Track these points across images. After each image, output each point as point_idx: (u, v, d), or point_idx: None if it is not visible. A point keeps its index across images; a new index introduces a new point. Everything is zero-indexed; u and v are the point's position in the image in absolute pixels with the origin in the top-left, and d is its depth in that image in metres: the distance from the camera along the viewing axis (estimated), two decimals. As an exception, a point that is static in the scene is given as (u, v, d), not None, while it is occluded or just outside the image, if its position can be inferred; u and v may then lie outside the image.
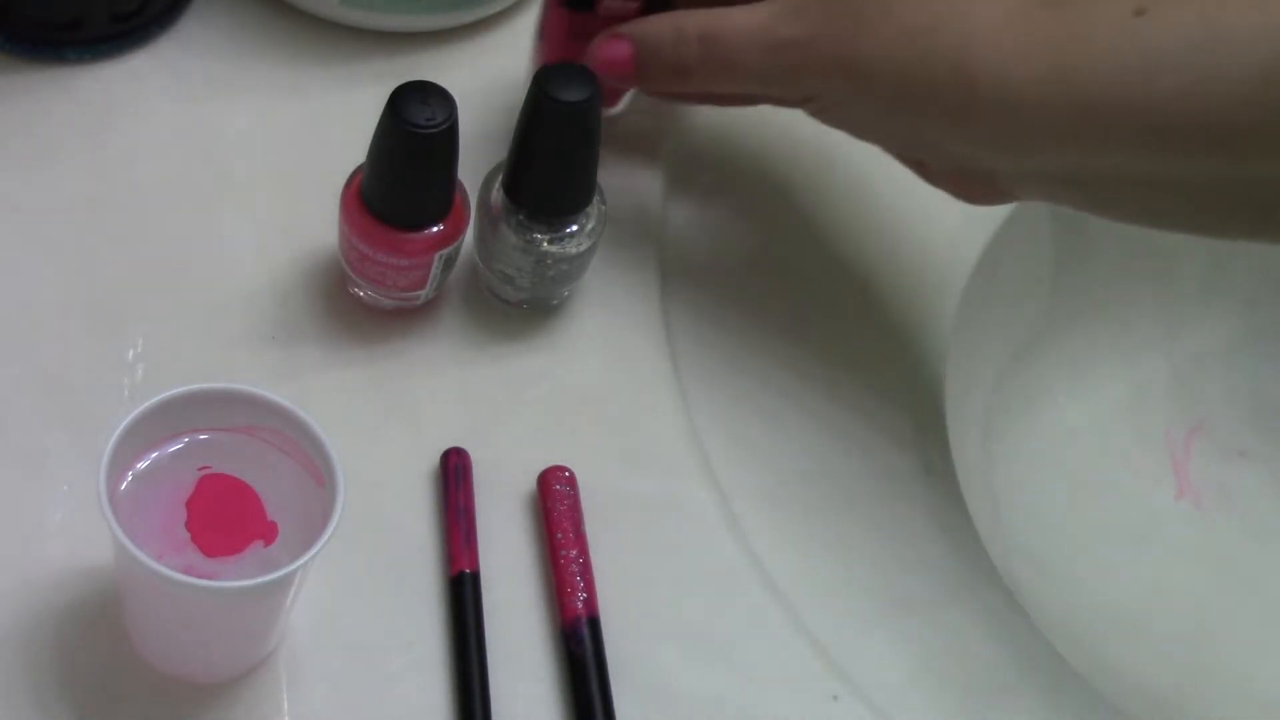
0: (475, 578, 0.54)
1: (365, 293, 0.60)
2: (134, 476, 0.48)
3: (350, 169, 0.58)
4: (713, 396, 0.62)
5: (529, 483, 0.58)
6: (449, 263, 0.59)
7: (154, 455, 0.48)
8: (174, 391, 0.48)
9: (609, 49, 0.56)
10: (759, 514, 0.59)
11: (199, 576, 0.46)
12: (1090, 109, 0.45)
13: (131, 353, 0.58)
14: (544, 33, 0.63)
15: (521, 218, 0.58)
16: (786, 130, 0.66)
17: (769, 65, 0.52)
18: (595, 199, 0.59)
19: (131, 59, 0.66)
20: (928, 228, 0.69)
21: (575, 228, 0.59)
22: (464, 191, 0.59)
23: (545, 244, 0.58)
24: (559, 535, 0.56)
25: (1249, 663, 0.72)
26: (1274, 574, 0.75)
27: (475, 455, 0.57)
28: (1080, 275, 0.77)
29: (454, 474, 0.57)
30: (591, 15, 0.60)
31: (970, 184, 0.55)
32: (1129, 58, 0.45)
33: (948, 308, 0.68)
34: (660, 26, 0.55)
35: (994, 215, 0.71)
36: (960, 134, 0.50)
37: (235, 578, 0.46)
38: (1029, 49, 0.46)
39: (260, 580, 0.45)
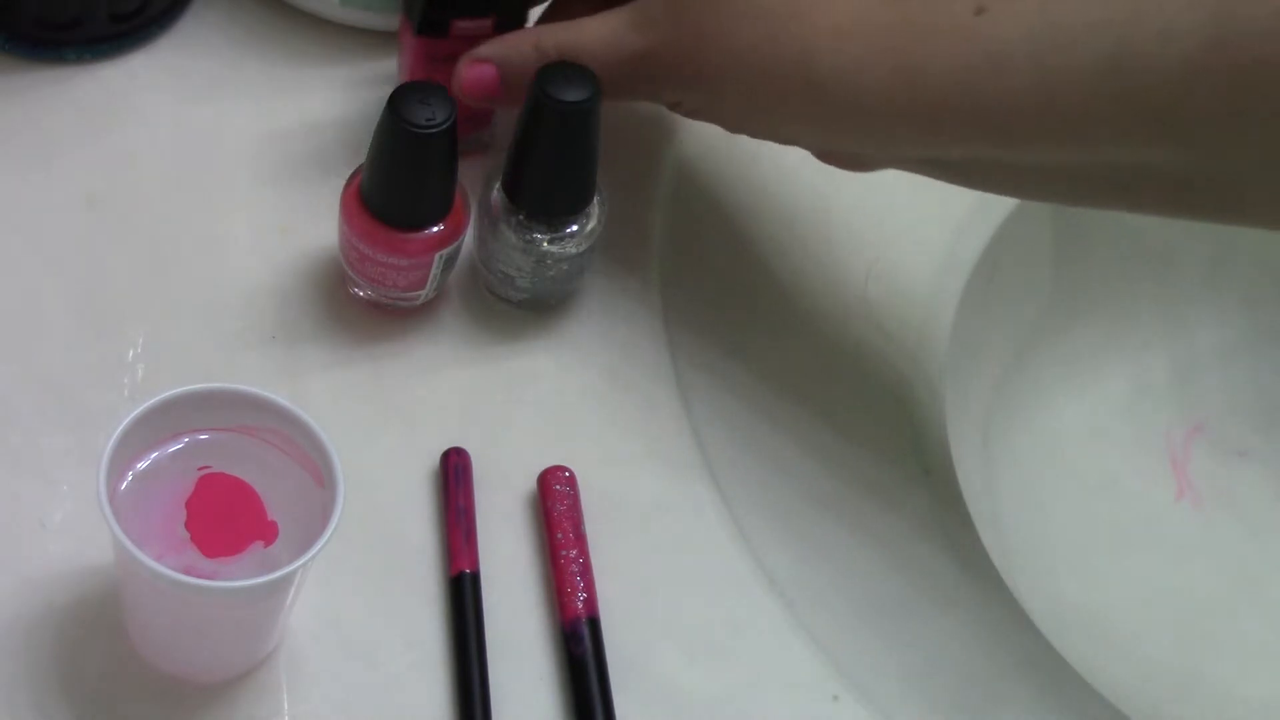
0: (475, 578, 0.54)
1: (365, 293, 0.60)
2: (134, 476, 0.48)
3: (350, 169, 0.58)
4: (713, 397, 0.62)
5: (529, 483, 0.58)
6: (449, 263, 0.59)
7: (154, 455, 0.48)
8: (174, 391, 0.48)
9: (473, 73, 0.57)
10: (759, 514, 0.59)
11: (199, 576, 0.46)
12: (938, 107, 0.46)
13: (131, 353, 0.58)
14: (402, 61, 0.63)
15: (521, 218, 0.58)
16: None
17: (627, 76, 0.54)
18: (595, 199, 0.59)
19: (131, 59, 0.66)
20: (928, 228, 0.69)
21: (575, 228, 0.59)
22: (464, 191, 0.59)
23: (545, 244, 0.58)
24: (559, 535, 0.56)
25: (1249, 663, 0.72)
26: (1274, 574, 0.75)
27: (475, 455, 0.57)
28: (1080, 275, 0.77)
29: (454, 474, 0.57)
30: (446, 39, 0.60)
31: (843, 161, 0.56)
32: (972, 58, 0.45)
33: (948, 308, 0.68)
34: (521, 46, 0.56)
35: (994, 215, 0.71)
36: (817, 131, 0.51)
37: (235, 578, 0.46)
38: (872, 53, 0.47)
39: (260, 580, 0.45)
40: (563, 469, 0.57)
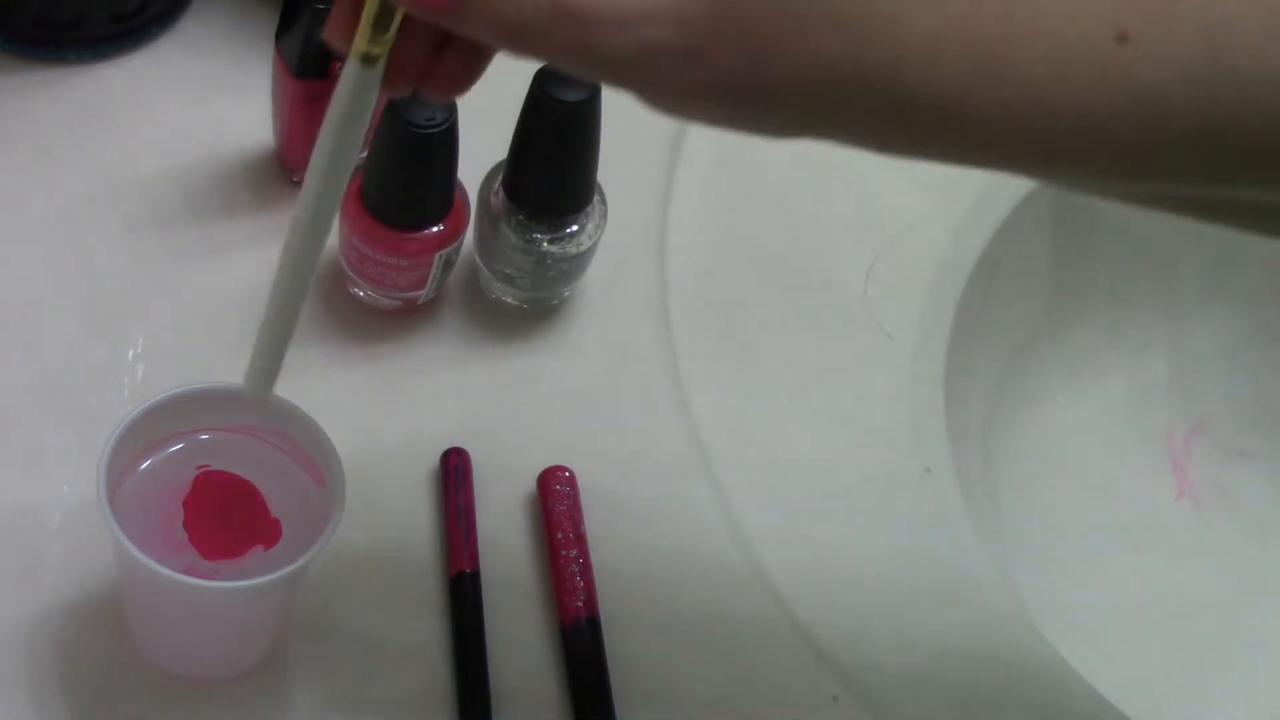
0: (475, 578, 0.54)
1: (365, 293, 0.60)
2: (134, 476, 0.48)
3: (350, 169, 0.58)
4: (713, 396, 0.62)
5: (529, 483, 0.58)
6: (449, 263, 0.59)
7: (154, 455, 0.48)
8: (174, 391, 0.48)
9: None
10: (759, 514, 0.59)
11: (199, 576, 0.46)
12: (1066, 145, 0.39)
13: (131, 353, 0.58)
14: (278, 106, 0.60)
15: (521, 218, 0.58)
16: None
17: (638, 67, 0.39)
18: (595, 199, 0.59)
19: (131, 59, 0.66)
20: (928, 227, 0.69)
21: (575, 228, 0.59)
22: (464, 191, 0.59)
23: (545, 244, 0.58)
24: (559, 535, 0.56)
25: (1249, 662, 0.72)
26: (1274, 574, 0.75)
27: (475, 455, 0.57)
28: (1080, 276, 0.77)
29: (454, 474, 0.57)
30: (326, 81, 0.57)
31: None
32: (1117, 102, 0.38)
33: (948, 308, 0.68)
34: None
35: (994, 215, 0.71)
36: (902, 152, 0.42)
37: (235, 577, 0.46)
38: (978, 76, 0.38)
39: (260, 580, 0.45)
40: (563, 469, 0.57)
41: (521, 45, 0.38)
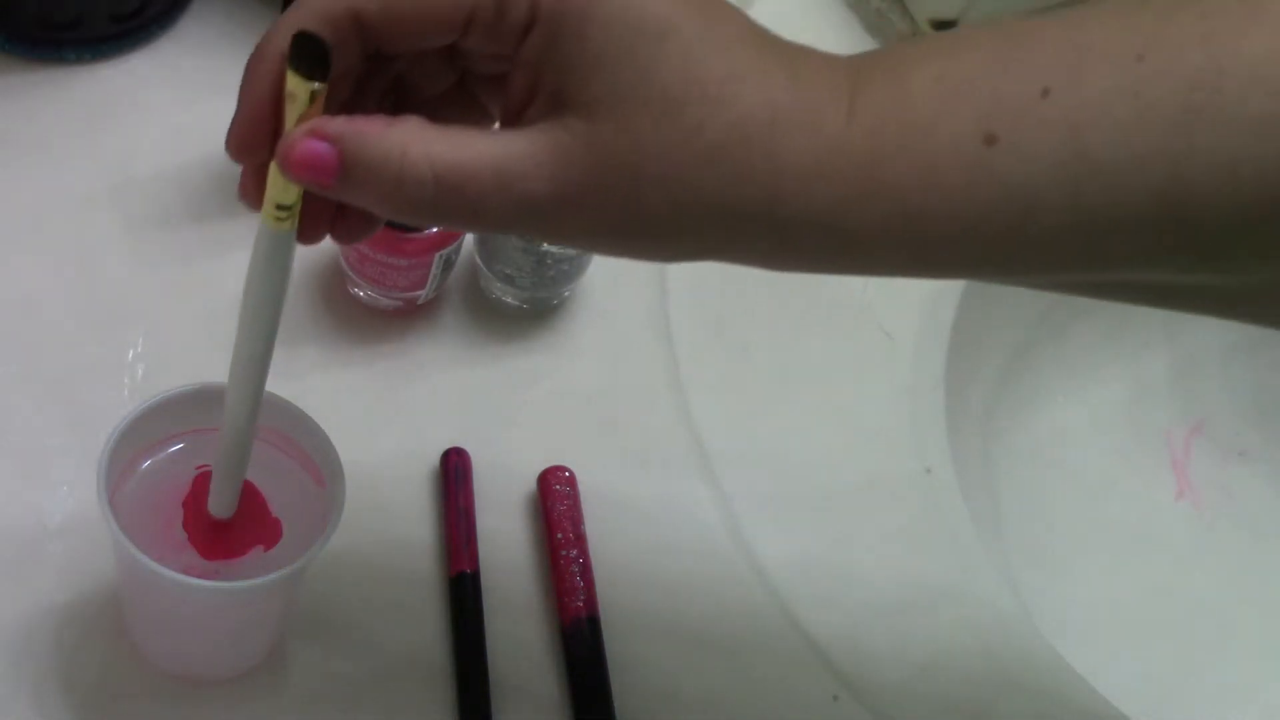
0: (475, 578, 0.54)
1: (365, 293, 0.60)
2: (134, 476, 0.48)
3: (350, 169, 0.58)
4: (713, 396, 0.62)
5: (529, 483, 0.58)
6: (449, 263, 0.59)
7: (154, 455, 0.48)
8: (173, 390, 0.48)
9: (307, 149, 0.39)
10: (759, 514, 0.59)
11: (198, 577, 0.46)
12: (947, 248, 0.39)
13: (131, 353, 0.58)
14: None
15: (521, 218, 0.58)
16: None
17: (521, 217, 0.40)
18: (595, 199, 0.59)
19: (131, 59, 0.66)
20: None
21: (575, 228, 0.59)
22: (464, 191, 0.59)
23: (545, 244, 0.58)
24: (559, 535, 0.56)
25: (1249, 662, 0.72)
26: (1274, 574, 0.75)
27: (475, 455, 0.57)
28: (1080, 275, 0.77)
29: (454, 474, 0.57)
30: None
31: None
32: (991, 200, 0.38)
33: (948, 308, 0.68)
34: (384, 145, 0.39)
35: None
36: (790, 267, 0.42)
37: (235, 578, 0.46)
38: (855, 194, 0.39)
39: (260, 580, 0.45)
40: (563, 469, 0.57)
41: (410, 217, 0.40)
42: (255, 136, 0.41)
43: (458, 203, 0.39)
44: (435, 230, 0.57)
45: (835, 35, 0.75)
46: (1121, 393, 0.78)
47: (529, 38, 0.38)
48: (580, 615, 0.54)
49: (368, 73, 0.41)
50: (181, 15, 0.68)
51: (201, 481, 0.48)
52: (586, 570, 0.55)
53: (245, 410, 0.44)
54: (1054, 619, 0.63)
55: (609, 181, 0.39)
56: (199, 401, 0.48)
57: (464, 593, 0.54)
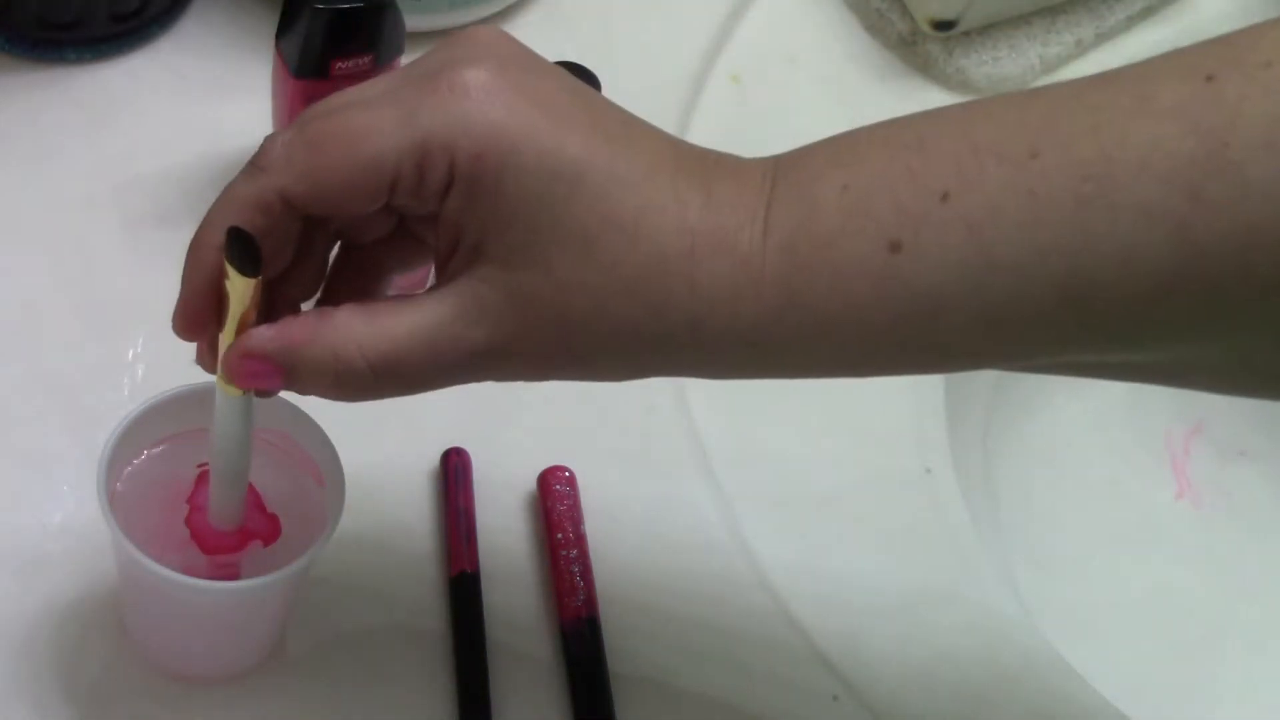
0: (475, 578, 0.54)
1: (365, 293, 0.60)
2: (134, 476, 0.48)
3: (350, 169, 0.58)
4: (713, 396, 0.62)
5: (529, 483, 0.58)
6: (449, 263, 0.59)
7: (154, 454, 0.48)
8: (173, 390, 0.48)
9: (249, 369, 0.42)
10: (759, 514, 0.59)
11: (198, 577, 0.46)
12: (862, 350, 0.41)
13: (131, 353, 0.58)
14: (278, 105, 0.60)
15: (521, 218, 0.58)
16: (788, 129, 0.66)
17: (462, 371, 0.43)
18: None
19: (131, 59, 0.66)
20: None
21: (575, 228, 0.59)
22: (464, 191, 0.59)
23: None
24: (559, 535, 0.56)
25: (1248, 662, 0.72)
26: (1274, 574, 0.75)
27: (475, 455, 0.57)
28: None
29: (454, 474, 0.57)
30: (327, 80, 0.57)
31: None
32: (899, 303, 0.39)
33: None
34: (316, 352, 0.41)
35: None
36: (717, 376, 0.45)
37: (235, 577, 0.46)
38: (771, 310, 0.40)
39: (260, 581, 0.45)
40: (562, 469, 0.57)
41: (359, 399, 0.42)
42: (198, 318, 0.43)
43: (399, 381, 0.42)
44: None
45: (835, 35, 0.75)
46: (1121, 393, 0.78)
47: (449, 195, 0.40)
48: (580, 615, 0.54)
49: (310, 228, 0.43)
50: (182, 15, 0.68)
51: (204, 480, 0.48)
52: (586, 570, 0.55)
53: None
54: (1054, 619, 0.63)
55: (536, 326, 0.41)
56: (199, 401, 0.48)
57: (464, 593, 0.54)
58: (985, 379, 0.73)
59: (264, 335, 0.41)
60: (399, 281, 0.47)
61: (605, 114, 0.42)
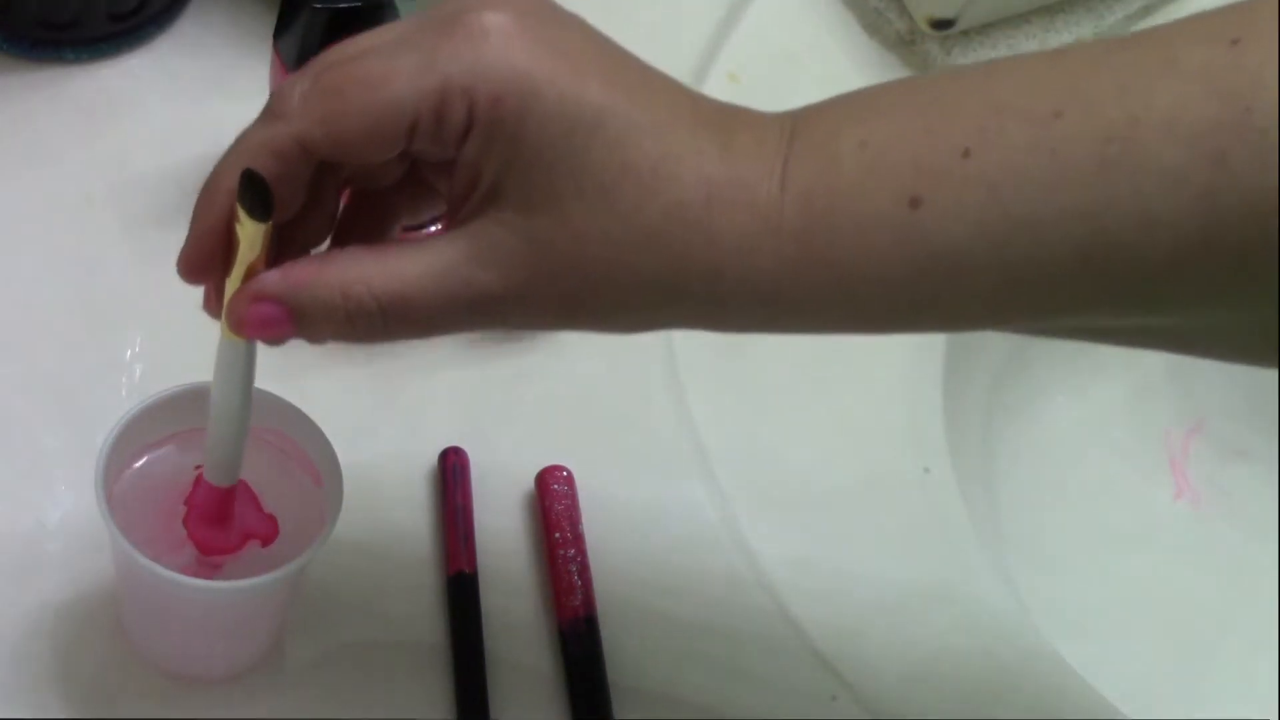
0: (473, 578, 0.54)
1: (364, 292, 0.60)
2: (133, 476, 0.48)
3: (349, 168, 0.58)
4: (712, 396, 0.62)
5: (527, 482, 0.58)
6: (448, 262, 0.59)
7: (152, 454, 0.48)
8: (171, 390, 0.48)
9: (257, 314, 0.41)
10: (757, 513, 0.59)
11: (197, 575, 0.46)
12: (878, 307, 0.41)
13: (130, 353, 0.58)
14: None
15: (520, 217, 0.58)
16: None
17: (473, 316, 0.42)
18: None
19: (129, 59, 0.66)
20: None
21: (574, 227, 0.59)
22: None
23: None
24: (557, 535, 0.56)
25: (1247, 662, 0.72)
26: (1272, 574, 0.75)
27: (474, 455, 0.57)
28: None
29: (452, 474, 0.57)
30: None
31: None
32: (919, 260, 0.39)
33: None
34: (324, 292, 0.41)
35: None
36: (714, 329, 0.44)
37: (233, 577, 0.46)
38: (788, 264, 0.40)
39: (258, 580, 0.45)
40: (561, 468, 0.57)
41: (368, 342, 0.42)
42: (205, 262, 0.43)
43: (409, 323, 0.41)
44: (435, 229, 0.57)
45: (834, 34, 0.75)
46: (1120, 392, 0.78)
47: (468, 140, 0.40)
48: (578, 615, 0.54)
49: (321, 174, 0.42)
50: (180, 15, 0.68)
51: (201, 480, 0.48)
52: (584, 570, 0.55)
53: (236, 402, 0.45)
54: (1053, 619, 0.63)
55: (551, 272, 0.40)
56: (197, 400, 0.48)
57: (462, 592, 0.54)
58: (985, 379, 0.73)
59: (271, 278, 0.41)
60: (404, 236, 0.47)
61: (625, 63, 0.41)
